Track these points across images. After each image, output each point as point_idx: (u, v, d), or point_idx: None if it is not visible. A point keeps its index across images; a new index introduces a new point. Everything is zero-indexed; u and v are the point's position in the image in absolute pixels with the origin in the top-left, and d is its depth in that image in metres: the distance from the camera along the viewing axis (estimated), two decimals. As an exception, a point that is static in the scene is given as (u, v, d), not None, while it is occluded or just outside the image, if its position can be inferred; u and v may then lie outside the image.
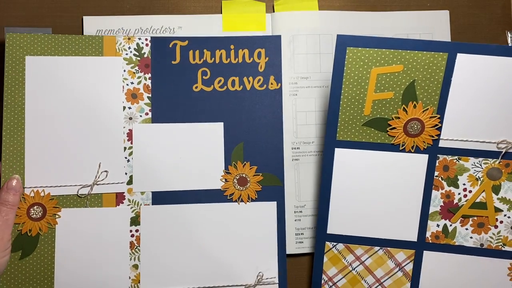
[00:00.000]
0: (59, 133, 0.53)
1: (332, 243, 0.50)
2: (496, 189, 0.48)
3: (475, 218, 0.49)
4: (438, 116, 0.46)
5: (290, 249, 0.55)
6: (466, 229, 0.49)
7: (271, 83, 0.53)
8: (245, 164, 0.54)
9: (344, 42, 0.45)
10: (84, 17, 0.56)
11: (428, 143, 0.47)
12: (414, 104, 0.46)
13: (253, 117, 0.54)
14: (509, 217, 0.48)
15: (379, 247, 0.50)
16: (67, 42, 0.52)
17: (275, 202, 0.54)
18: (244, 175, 0.54)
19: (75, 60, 0.53)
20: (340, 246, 0.50)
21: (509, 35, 0.57)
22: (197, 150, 0.54)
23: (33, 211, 0.52)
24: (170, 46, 0.54)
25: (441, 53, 0.45)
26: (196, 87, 0.54)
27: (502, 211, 0.48)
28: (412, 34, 0.56)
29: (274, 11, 0.57)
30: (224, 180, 0.54)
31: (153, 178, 0.54)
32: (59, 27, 0.57)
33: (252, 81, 0.54)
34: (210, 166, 0.54)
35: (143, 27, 0.56)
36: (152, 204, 0.54)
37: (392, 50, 0.45)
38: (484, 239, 0.49)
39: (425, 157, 0.48)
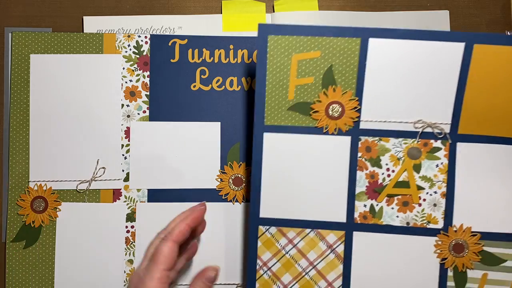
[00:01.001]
0: (60, 129, 0.55)
1: (265, 226, 0.51)
2: (417, 168, 0.50)
3: (400, 197, 0.50)
4: (357, 98, 0.49)
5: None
6: (392, 208, 0.51)
7: None
8: (240, 164, 0.55)
9: (265, 30, 0.48)
10: (84, 17, 0.58)
11: (349, 125, 0.49)
12: (334, 88, 0.49)
13: (250, 118, 0.55)
14: (431, 194, 0.50)
15: (310, 229, 0.51)
16: (69, 39, 0.55)
17: None
18: (239, 175, 0.55)
19: (76, 58, 0.55)
20: (273, 229, 0.51)
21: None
22: (193, 149, 0.56)
23: (36, 203, 0.55)
24: (170, 44, 0.56)
25: (354, 38, 0.48)
26: (194, 86, 0.56)
27: (424, 189, 0.50)
28: (412, 34, 0.58)
29: (274, 11, 0.58)
30: (219, 179, 0.55)
31: (149, 175, 0.56)
32: (59, 27, 0.58)
33: (250, 81, 0.56)
34: (206, 165, 0.56)
35: (143, 27, 0.57)
36: (148, 201, 0.56)
37: (309, 36, 0.48)
38: (410, 218, 0.51)
39: (347, 139, 0.50)
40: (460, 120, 0.49)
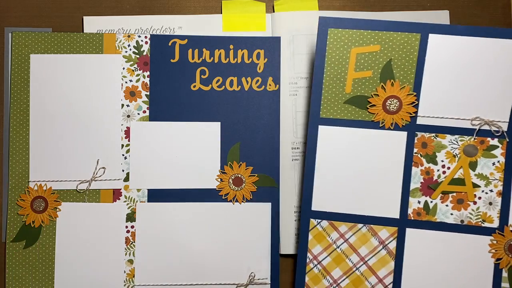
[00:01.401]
0: (60, 129, 0.56)
1: (316, 220, 0.51)
2: (473, 166, 0.50)
3: (454, 194, 0.50)
4: (415, 94, 0.49)
5: (289, 249, 0.56)
6: (446, 205, 0.50)
7: (269, 84, 0.55)
8: (241, 164, 0.55)
9: (326, 23, 0.49)
10: (84, 17, 0.58)
11: (406, 120, 0.49)
12: (392, 82, 0.49)
13: (250, 117, 0.55)
14: (486, 192, 0.50)
15: (362, 224, 0.51)
16: (69, 40, 0.56)
17: (270, 203, 0.55)
18: (239, 175, 0.55)
19: (76, 58, 0.56)
20: (325, 223, 0.51)
21: None
22: (193, 149, 0.56)
23: (36, 203, 0.55)
24: (170, 44, 0.56)
25: (414, 33, 0.48)
26: (194, 86, 0.56)
27: (480, 187, 0.50)
28: (413, 34, 0.58)
29: (274, 11, 0.58)
30: (219, 179, 0.55)
31: (149, 175, 0.56)
32: (59, 28, 0.58)
33: (250, 81, 0.56)
34: (206, 165, 0.56)
35: (143, 27, 0.58)
36: (148, 201, 0.56)
37: (369, 30, 0.49)
38: (464, 216, 0.50)
39: (404, 134, 0.50)
40: (518, 118, 0.49)
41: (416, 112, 0.49)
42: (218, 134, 0.56)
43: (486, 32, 0.48)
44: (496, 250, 0.50)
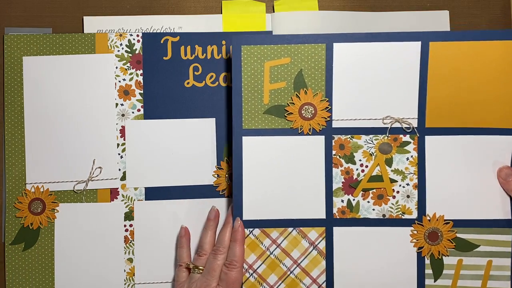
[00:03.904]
0: (55, 130, 0.56)
1: (248, 229, 0.53)
2: (389, 162, 0.53)
3: (374, 190, 0.53)
4: (327, 99, 0.52)
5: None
6: (368, 202, 0.53)
7: None
8: None
9: (238, 41, 0.52)
10: (84, 17, 0.58)
11: (322, 124, 0.52)
12: (305, 90, 0.52)
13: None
14: (403, 186, 0.53)
15: (292, 228, 0.53)
16: (61, 41, 0.56)
17: None
18: None
19: (68, 59, 0.56)
20: (257, 231, 0.53)
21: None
22: (189, 146, 0.57)
23: (34, 205, 0.56)
24: (162, 42, 0.57)
25: (319, 44, 0.52)
26: (188, 83, 0.57)
27: (397, 181, 0.53)
28: (412, 34, 0.59)
29: (274, 11, 0.59)
30: (216, 175, 0.57)
31: (146, 174, 0.57)
32: (59, 27, 0.58)
33: None
34: (202, 161, 0.57)
35: (143, 27, 0.58)
36: (145, 199, 0.57)
37: (279, 45, 0.52)
38: (385, 210, 0.53)
39: (321, 138, 0.53)
40: (426, 114, 0.52)
41: (330, 117, 0.52)
42: (213, 130, 0.57)
43: (385, 37, 0.51)
44: (417, 240, 0.52)
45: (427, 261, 0.53)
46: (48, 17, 0.59)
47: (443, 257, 0.52)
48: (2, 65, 0.57)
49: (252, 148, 0.53)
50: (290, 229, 0.53)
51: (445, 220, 0.52)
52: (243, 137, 0.53)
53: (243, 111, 0.52)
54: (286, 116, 0.52)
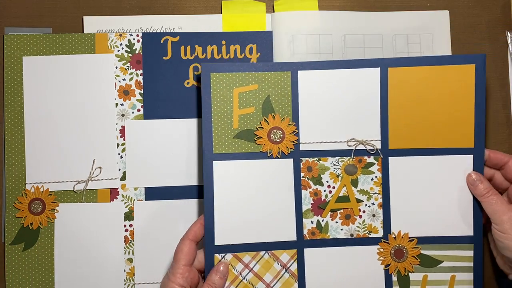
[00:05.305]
0: (55, 130, 0.56)
1: (220, 254, 0.53)
2: (355, 183, 0.55)
3: (342, 211, 0.55)
4: (294, 123, 0.54)
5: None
6: (336, 222, 0.55)
7: None
8: None
9: (208, 69, 0.53)
10: (84, 17, 0.58)
11: (290, 147, 0.54)
12: (273, 115, 0.54)
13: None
14: (369, 206, 0.55)
15: (264, 251, 0.54)
16: (61, 41, 0.56)
17: None
18: None
19: (68, 59, 0.56)
20: (229, 256, 0.53)
21: (509, 35, 0.60)
22: (189, 146, 0.57)
23: (33, 205, 0.55)
24: (162, 41, 0.57)
25: (285, 71, 0.54)
26: (188, 83, 0.57)
27: (363, 201, 0.55)
28: (412, 34, 0.59)
29: (274, 11, 0.59)
30: None
31: (146, 174, 0.56)
32: (59, 27, 0.58)
33: None
34: (202, 161, 0.55)
35: (143, 27, 0.58)
36: (145, 199, 0.56)
37: (247, 72, 0.54)
38: (353, 229, 0.55)
39: (290, 161, 0.54)
40: (388, 136, 0.55)
41: (298, 140, 0.54)
42: None
43: (345, 64, 0.54)
44: (384, 257, 0.54)
45: (394, 278, 0.54)
46: (48, 17, 0.59)
47: (409, 273, 0.54)
48: (2, 65, 0.57)
49: (223, 172, 0.53)
50: (262, 252, 0.54)
51: (409, 237, 0.54)
52: (214, 162, 0.53)
53: (213, 136, 0.53)
54: (256, 140, 0.54)
